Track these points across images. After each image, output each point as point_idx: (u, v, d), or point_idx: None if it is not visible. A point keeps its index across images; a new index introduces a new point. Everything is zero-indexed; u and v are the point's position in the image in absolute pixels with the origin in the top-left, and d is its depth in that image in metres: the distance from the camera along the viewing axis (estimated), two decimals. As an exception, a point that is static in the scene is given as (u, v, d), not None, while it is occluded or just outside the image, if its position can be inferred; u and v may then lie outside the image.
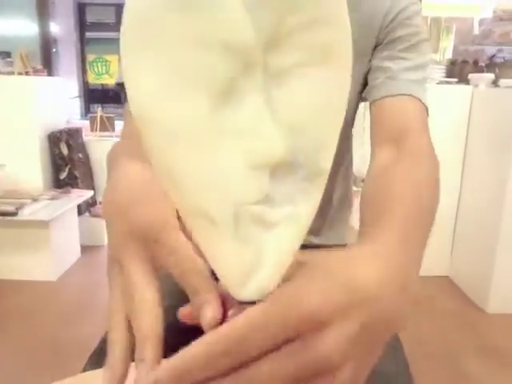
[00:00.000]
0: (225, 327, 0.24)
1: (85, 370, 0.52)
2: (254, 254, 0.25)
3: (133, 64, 0.23)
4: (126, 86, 0.23)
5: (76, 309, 2.01)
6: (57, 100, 2.75)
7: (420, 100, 0.57)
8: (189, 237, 0.29)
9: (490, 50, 2.77)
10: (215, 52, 0.23)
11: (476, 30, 2.85)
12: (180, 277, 0.29)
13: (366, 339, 0.25)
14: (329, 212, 0.74)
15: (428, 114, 0.58)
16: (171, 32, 0.23)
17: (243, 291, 0.26)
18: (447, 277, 2.38)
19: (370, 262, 0.28)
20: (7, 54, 2.59)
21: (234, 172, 0.24)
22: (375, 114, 0.59)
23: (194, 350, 0.24)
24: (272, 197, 0.25)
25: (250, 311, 0.24)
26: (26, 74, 2.49)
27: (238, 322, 0.24)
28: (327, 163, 0.26)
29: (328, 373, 0.24)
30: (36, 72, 2.59)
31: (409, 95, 0.57)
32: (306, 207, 0.26)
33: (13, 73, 2.47)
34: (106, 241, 2.73)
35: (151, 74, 0.23)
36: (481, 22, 2.84)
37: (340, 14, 0.25)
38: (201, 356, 0.23)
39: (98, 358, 0.54)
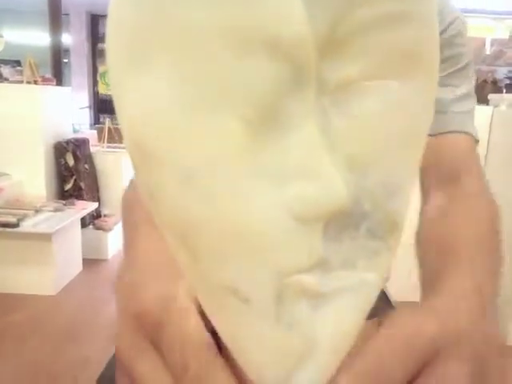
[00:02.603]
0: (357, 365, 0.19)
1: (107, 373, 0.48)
2: (302, 340, 0.18)
3: (128, 75, 0.16)
4: (117, 105, 0.16)
5: (76, 326, 1.93)
6: (64, 110, 2.71)
7: (471, 134, 0.52)
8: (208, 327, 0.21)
9: (502, 70, 2.72)
10: (254, 54, 0.16)
11: (488, 51, 2.79)
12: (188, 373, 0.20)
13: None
14: None
15: (478, 142, 0.53)
16: (188, 27, 0.16)
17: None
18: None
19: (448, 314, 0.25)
20: (17, 63, 2.57)
21: (275, 228, 0.17)
22: (425, 153, 0.51)
23: None
24: (326, 261, 0.18)
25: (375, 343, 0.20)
26: (35, 82, 2.45)
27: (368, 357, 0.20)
28: (402, 211, 0.18)
29: None
30: (45, 81, 2.55)
31: (461, 132, 0.51)
32: (373, 274, 0.18)
33: (21, 81, 2.44)
34: (109, 254, 2.67)
35: (158, 89, 0.16)
36: (492, 43, 2.78)
37: (428, 8, 0.18)
38: None
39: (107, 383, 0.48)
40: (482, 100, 2.24)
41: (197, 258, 0.17)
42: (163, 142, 0.16)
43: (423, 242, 0.44)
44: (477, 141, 0.53)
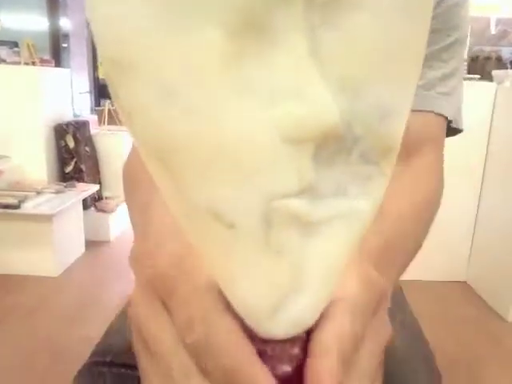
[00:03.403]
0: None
1: (89, 363, 0.47)
2: (290, 271, 0.17)
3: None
4: (94, 26, 0.15)
5: (78, 307, 1.94)
6: (64, 92, 2.69)
7: (445, 116, 0.51)
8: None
9: (507, 50, 2.68)
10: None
11: (492, 31, 2.74)
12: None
13: None
14: None
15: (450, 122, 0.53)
16: None
17: (272, 325, 0.17)
18: (465, 282, 2.28)
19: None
20: (14, 44, 2.53)
21: (262, 149, 0.16)
22: None
23: None
24: (316, 187, 0.17)
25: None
26: (33, 64, 2.43)
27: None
28: (397, 135, 0.18)
29: None
30: (43, 62, 2.52)
31: (436, 113, 0.51)
32: (365, 201, 0.18)
33: (19, 63, 2.41)
34: (111, 236, 2.67)
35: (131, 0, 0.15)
36: (497, 22, 2.73)
37: None
38: None
39: (102, 351, 0.48)
40: (485, 77, 2.21)
41: (179, 180, 0.16)
42: (140, 57, 0.15)
43: None
44: (449, 121, 0.52)
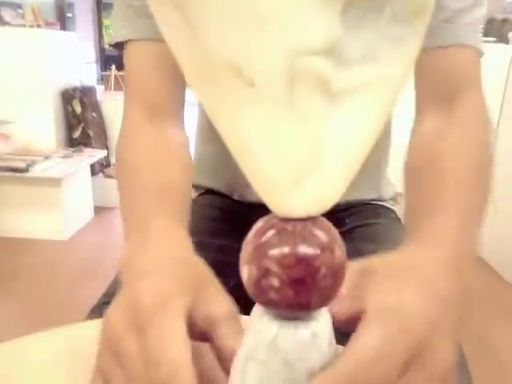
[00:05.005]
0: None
1: (100, 304, 0.51)
2: (311, 143, 0.16)
3: None
4: None
5: (87, 269, 1.97)
6: (70, 56, 2.65)
7: (476, 47, 0.48)
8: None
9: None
10: None
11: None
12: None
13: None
14: None
15: (482, 55, 0.49)
16: None
17: (291, 201, 0.16)
18: (479, 257, 2.26)
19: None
20: (18, 6, 2.48)
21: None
22: (425, 65, 0.48)
23: None
24: (343, 50, 0.15)
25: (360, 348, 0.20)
26: (38, 27, 2.38)
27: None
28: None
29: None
30: (48, 25, 2.48)
31: (464, 45, 0.47)
32: (395, 66, 0.16)
33: (24, 25, 2.37)
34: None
35: None
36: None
37: None
38: None
39: (113, 293, 0.49)
40: (501, 39, 2.14)
41: (198, 32, 0.15)
42: None
43: (412, 168, 0.44)
44: (481, 53, 0.49)
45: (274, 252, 0.17)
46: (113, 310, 0.25)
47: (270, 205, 0.17)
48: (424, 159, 0.44)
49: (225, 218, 0.65)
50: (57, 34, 2.55)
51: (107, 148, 2.76)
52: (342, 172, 0.17)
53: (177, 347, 0.21)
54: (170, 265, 0.30)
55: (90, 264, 2.00)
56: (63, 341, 0.34)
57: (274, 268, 0.16)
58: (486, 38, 2.16)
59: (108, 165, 2.79)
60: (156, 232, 0.35)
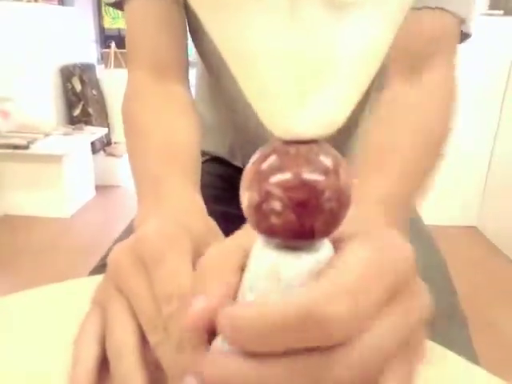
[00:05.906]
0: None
1: (99, 266, 0.50)
2: (316, 54, 0.15)
3: None
4: None
5: (88, 247, 1.97)
6: (69, 32, 2.61)
7: (454, 12, 0.44)
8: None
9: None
10: None
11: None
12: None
13: None
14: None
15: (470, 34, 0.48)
16: None
17: (296, 121, 0.15)
18: (475, 227, 2.26)
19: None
20: (15, -20, 2.43)
21: None
22: (404, 28, 0.45)
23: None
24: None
25: None
26: (35, 1, 2.34)
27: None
28: None
29: None
30: (47, 0, 2.44)
31: (442, 9, 0.44)
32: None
33: (21, 0, 2.33)
34: (121, 181, 2.68)
35: None
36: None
37: None
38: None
39: (98, 271, 0.49)
40: (509, 12, 2.09)
41: None
42: None
43: (370, 128, 0.45)
44: (462, 19, 0.45)
45: (276, 175, 0.16)
46: (119, 247, 0.25)
47: (272, 126, 0.16)
48: (379, 120, 0.44)
49: (228, 186, 0.64)
50: (55, 8, 2.51)
51: (108, 126, 2.74)
52: (348, 89, 0.16)
53: (187, 282, 0.21)
54: (180, 215, 0.31)
55: (92, 242, 2.01)
56: (64, 294, 0.34)
57: (276, 191, 0.16)
58: (492, 11, 2.12)
59: (109, 143, 2.78)
60: (167, 193, 0.35)
